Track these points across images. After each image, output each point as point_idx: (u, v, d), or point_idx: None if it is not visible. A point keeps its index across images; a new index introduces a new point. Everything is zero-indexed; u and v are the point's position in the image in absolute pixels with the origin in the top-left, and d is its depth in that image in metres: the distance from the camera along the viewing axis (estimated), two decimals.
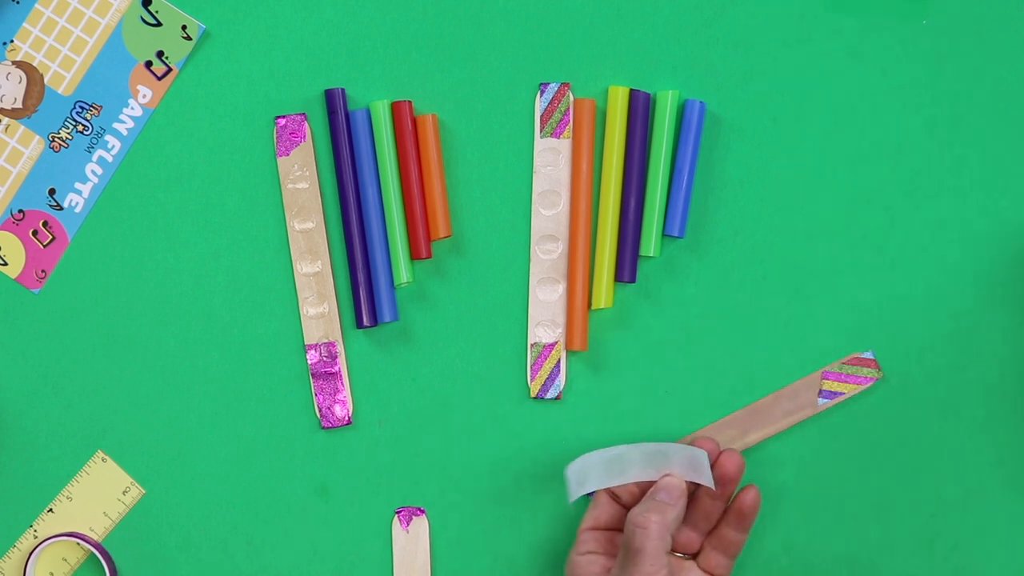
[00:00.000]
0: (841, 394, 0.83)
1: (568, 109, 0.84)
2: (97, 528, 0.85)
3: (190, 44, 0.84)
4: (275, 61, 0.84)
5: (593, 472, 0.78)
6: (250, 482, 0.85)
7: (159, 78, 0.84)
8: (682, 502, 0.77)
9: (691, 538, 0.80)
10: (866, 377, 0.83)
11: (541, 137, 0.84)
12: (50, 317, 0.85)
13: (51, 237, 0.85)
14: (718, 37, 0.84)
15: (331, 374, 0.84)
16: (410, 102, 0.84)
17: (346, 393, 0.85)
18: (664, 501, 0.77)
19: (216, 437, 0.85)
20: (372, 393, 0.85)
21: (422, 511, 0.85)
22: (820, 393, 0.83)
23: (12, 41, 0.84)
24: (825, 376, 0.83)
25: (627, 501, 0.80)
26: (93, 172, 0.84)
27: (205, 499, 0.85)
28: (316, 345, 0.84)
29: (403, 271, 0.83)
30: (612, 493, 0.81)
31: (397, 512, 0.85)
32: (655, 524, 0.76)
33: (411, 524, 0.85)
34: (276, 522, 0.85)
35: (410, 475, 0.85)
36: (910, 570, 0.84)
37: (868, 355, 0.83)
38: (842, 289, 0.84)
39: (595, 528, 0.80)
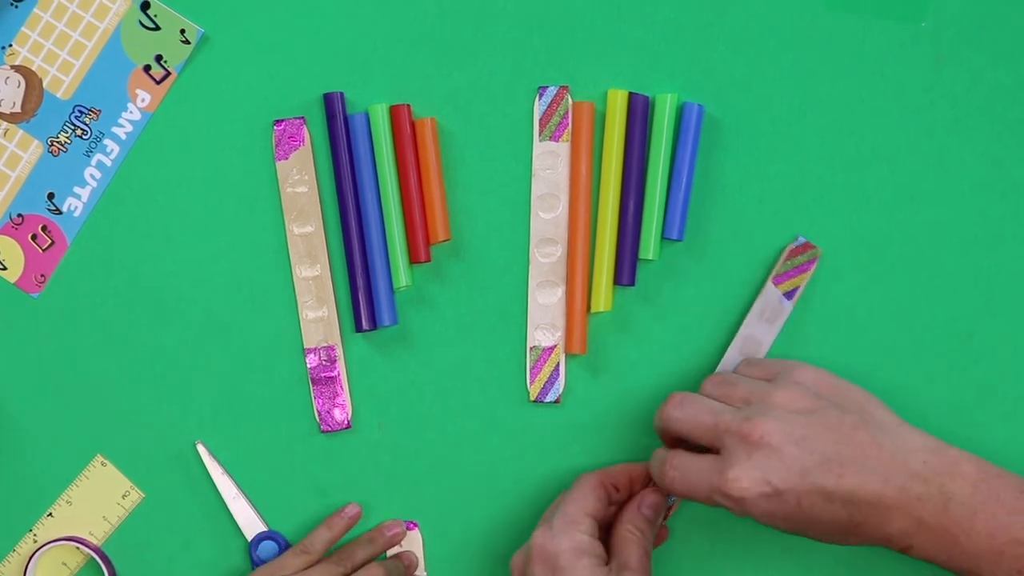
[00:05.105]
0: (798, 287, 0.83)
1: (567, 112, 0.84)
2: (97, 532, 0.85)
3: (188, 48, 0.84)
4: (274, 65, 0.84)
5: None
6: (249, 486, 0.85)
7: (158, 82, 0.84)
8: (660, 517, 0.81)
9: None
10: (809, 261, 0.83)
11: (540, 140, 0.84)
12: (49, 321, 0.85)
13: (50, 241, 0.85)
14: (717, 40, 0.84)
15: (330, 378, 0.84)
16: (409, 106, 0.83)
17: (345, 397, 0.85)
18: (648, 517, 0.79)
19: (215, 441, 0.85)
20: (371, 397, 0.85)
21: (415, 525, 0.85)
22: (782, 297, 0.83)
23: (11, 45, 0.84)
24: (777, 282, 0.83)
25: (620, 496, 0.81)
26: (92, 176, 0.84)
27: (204, 503, 0.85)
28: (315, 349, 0.84)
29: (402, 275, 0.83)
30: (609, 486, 0.81)
31: None
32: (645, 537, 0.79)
33: (405, 538, 0.85)
34: (275, 526, 0.85)
35: (409, 478, 0.85)
36: (910, 571, 0.84)
37: (800, 241, 0.83)
38: (841, 292, 0.84)
39: (595, 517, 0.79)
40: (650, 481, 0.81)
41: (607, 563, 0.77)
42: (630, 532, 0.78)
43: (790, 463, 0.72)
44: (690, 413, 0.76)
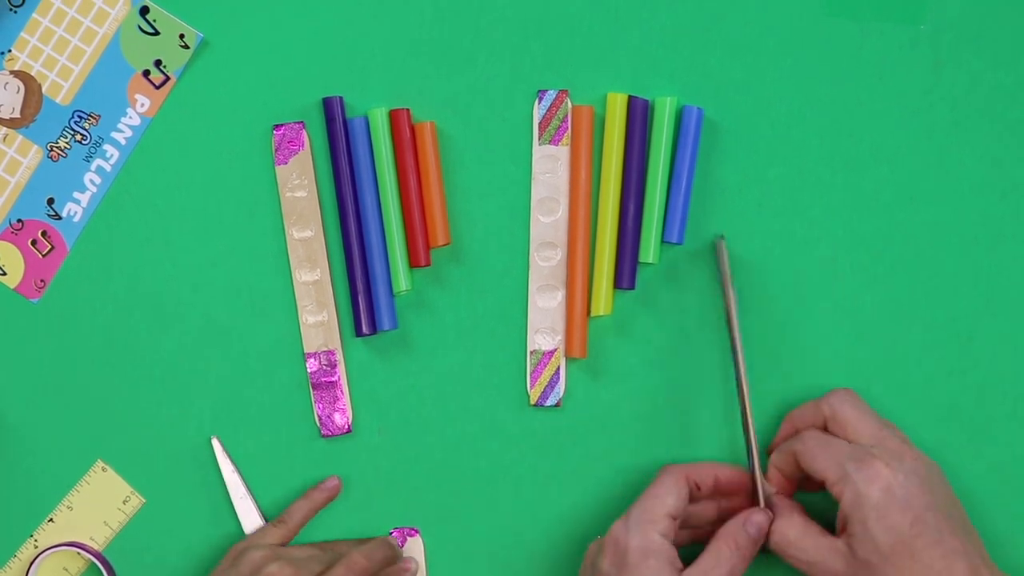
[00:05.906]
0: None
1: (566, 116, 0.84)
2: (97, 537, 0.85)
3: (188, 53, 0.84)
4: (273, 69, 0.84)
5: None
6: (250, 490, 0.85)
7: (157, 87, 0.84)
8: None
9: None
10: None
11: (540, 144, 0.84)
12: (49, 326, 0.85)
13: (50, 247, 0.85)
14: (716, 43, 0.84)
15: (330, 382, 0.84)
16: (408, 110, 0.83)
17: (345, 401, 0.85)
18: (752, 536, 0.78)
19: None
20: (371, 401, 0.85)
21: (416, 531, 0.85)
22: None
23: (10, 51, 0.84)
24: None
25: (702, 494, 0.81)
26: (91, 181, 0.84)
27: (205, 508, 0.85)
28: (315, 353, 0.84)
29: (402, 279, 0.83)
30: (692, 483, 0.80)
31: (391, 533, 0.85)
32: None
33: (406, 544, 0.85)
34: None
35: (410, 482, 0.85)
36: None
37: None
38: (841, 294, 0.84)
39: (674, 516, 0.78)
40: (737, 485, 0.81)
41: (679, 568, 0.76)
42: (724, 547, 0.77)
43: (926, 490, 0.76)
44: (851, 419, 0.79)
